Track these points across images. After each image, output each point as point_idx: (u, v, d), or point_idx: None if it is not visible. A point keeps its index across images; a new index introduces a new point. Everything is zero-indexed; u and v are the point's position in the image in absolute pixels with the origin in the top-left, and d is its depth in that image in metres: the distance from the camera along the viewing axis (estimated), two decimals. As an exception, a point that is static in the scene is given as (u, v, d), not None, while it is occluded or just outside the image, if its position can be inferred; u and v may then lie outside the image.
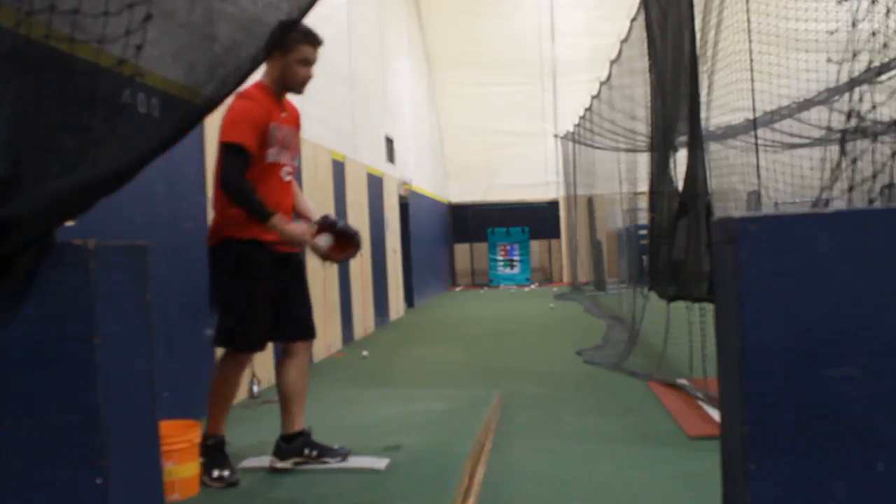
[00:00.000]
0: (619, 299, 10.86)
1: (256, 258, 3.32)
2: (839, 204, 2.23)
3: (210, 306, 3.46)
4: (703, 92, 5.51)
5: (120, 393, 1.70)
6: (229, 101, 3.16)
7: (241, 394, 5.73)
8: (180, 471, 3.16)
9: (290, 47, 3.22)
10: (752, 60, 4.90)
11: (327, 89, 8.24)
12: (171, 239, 4.84)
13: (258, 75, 3.31)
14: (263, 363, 6.11)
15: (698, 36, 5.37)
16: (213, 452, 3.37)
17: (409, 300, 13.52)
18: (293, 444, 3.50)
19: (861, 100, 2.33)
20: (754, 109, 5.21)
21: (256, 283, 3.34)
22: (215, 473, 3.31)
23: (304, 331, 3.55)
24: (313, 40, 3.32)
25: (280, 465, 3.48)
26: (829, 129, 4.92)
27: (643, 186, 7.99)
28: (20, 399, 1.65)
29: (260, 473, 3.49)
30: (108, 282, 1.68)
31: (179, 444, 3.17)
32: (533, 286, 18.91)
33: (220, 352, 3.61)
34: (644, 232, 9.33)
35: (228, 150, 3.25)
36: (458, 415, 4.52)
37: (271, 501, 3.19)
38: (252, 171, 3.27)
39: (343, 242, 3.44)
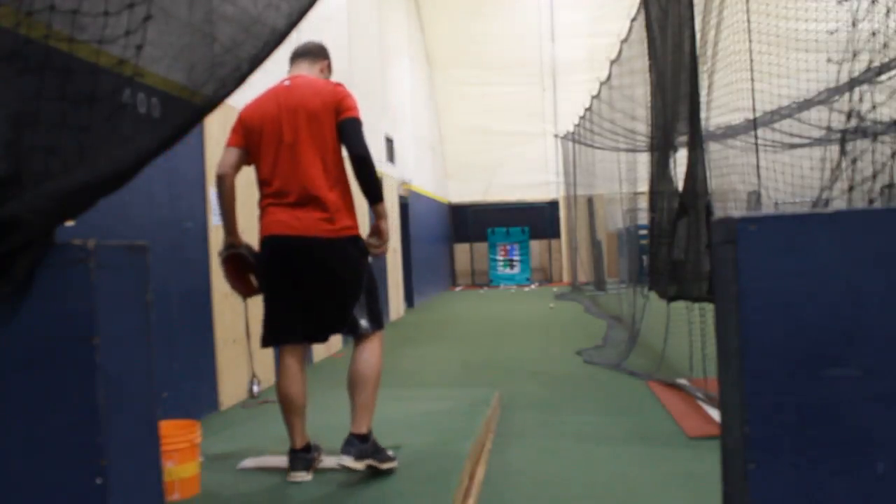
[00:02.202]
0: (619, 299, 10.86)
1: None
2: (839, 204, 2.23)
3: (350, 300, 3.42)
4: (703, 92, 5.51)
5: (120, 393, 1.70)
6: (335, 86, 3.33)
7: (241, 394, 5.74)
8: (180, 471, 3.17)
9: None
10: (752, 60, 4.90)
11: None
12: (171, 239, 4.84)
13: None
14: (263, 363, 6.11)
15: (698, 36, 5.36)
16: (377, 447, 3.39)
17: (409, 300, 13.52)
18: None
19: (861, 100, 2.33)
20: (754, 109, 5.21)
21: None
22: (385, 466, 3.36)
23: None
24: None
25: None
26: (829, 129, 4.92)
27: (643, 186, 7.99)
28: (20, 399, 1.65)
29: (259, 473, 3.49)
30: (108, 282, 1.68)
31: (179, 444, 3.17)
32: (533, 286, 18.91)
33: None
34: (644, 232, 9.34)
35: (360, 125, 3.32)
36: (458, 415, 4.52)
37: (271, 501, 3.19)
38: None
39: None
